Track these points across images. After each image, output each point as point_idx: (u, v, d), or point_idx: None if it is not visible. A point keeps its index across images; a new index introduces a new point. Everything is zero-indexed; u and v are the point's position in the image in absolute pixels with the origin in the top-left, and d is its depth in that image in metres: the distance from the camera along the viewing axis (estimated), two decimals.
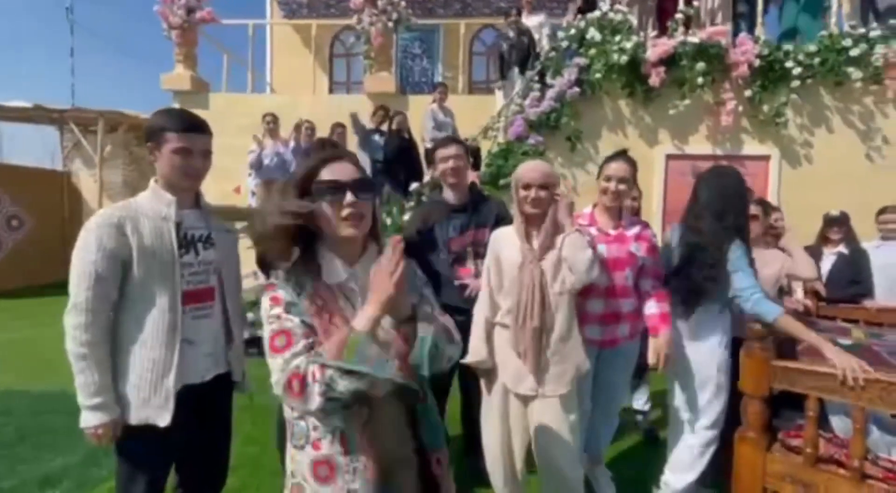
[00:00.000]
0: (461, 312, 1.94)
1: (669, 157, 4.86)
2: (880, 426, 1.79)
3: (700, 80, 4.60)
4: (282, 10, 9.76)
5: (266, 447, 2.54)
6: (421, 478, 1.07)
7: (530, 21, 5.83)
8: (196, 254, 1.46)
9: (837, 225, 3.23)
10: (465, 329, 1.59)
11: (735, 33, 4.89)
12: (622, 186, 1.96)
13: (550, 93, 4.72)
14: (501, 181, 4.54)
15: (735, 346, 1.92)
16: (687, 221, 2.06)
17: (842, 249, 3.19)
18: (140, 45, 57.56)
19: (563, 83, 4.69)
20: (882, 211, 3.27)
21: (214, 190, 4.58)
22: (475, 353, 1.80)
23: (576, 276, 1.70)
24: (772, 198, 4.49)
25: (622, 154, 2.03)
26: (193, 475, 1.57)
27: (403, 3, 6.81)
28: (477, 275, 2.14)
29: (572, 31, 4.91)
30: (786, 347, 1.88)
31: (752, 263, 1.92)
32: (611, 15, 4.82)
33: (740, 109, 4.66)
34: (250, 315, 3.44)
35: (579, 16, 5.09)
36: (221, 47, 7.89)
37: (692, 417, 2.04)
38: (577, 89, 4.70)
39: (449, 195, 2.32)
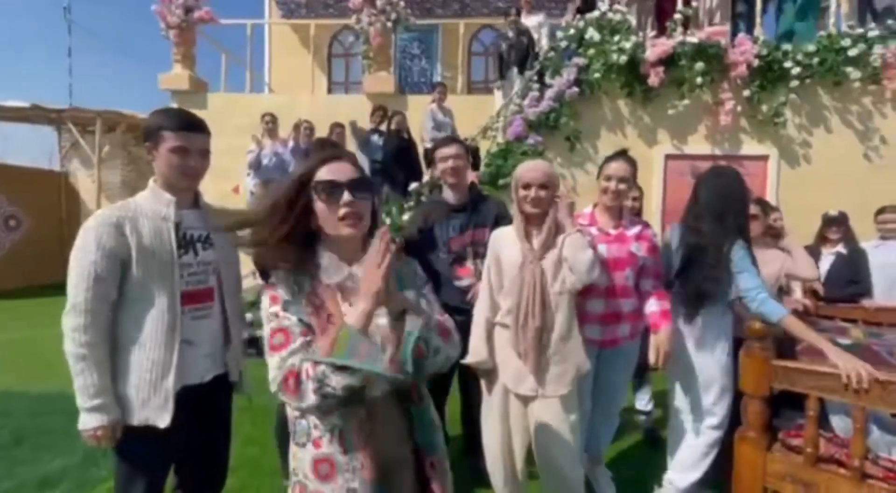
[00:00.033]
0: (461, 312, 1.95)
1: (668, 157, 4.86)
2: (880, 425, 1.79)
3: (699, 80, 4.60)
4: (280, 9, 9.74)
5: (266, 448, 2.53)
6: (419, 479, 1.07)
7: (529, 21, 5.84)
8: (195, 254, 1.45)
9: (836, 225, 3.24)
10: (465, 329, 1.59)
11: (734, 33, 4.91)
12: (622, 186, 1.96)
13: (549, 93, 4.73)
14: (501, 181, 4.55)
15: (735, 346, 1.92)
16: (687, 221, 2.06)
17: (840, 248, 3.20)
18: (138, 45, 57.64)
19: (562, 83, 4.69)
20: (881, 211, 3.28)
21: (213, 190, 4.54)
22: (475, 353, 1.80)
23: (576, 276, 1.70)
24: (770, 198, 4.49)
25: (622, 154, 2.03)
26: (193, 476, 1.56)
27: (402, 3, 6.80)
28: (477, 274, 2.14)
29: (571, 31, 4.92)
30: (785, 346, 1.88)
31: (755, 263, 1.92)
32: (610, 15, 4.83)
33: (739, 108, 4.68)
34: (249, 316, 3.43)
35: (578, 16, 5.10)
36: (220, 47, 7.88)
37: (696, 418, 2.04)
38: (576, 89, 4.70)
39: (449, 195, 2.32)
